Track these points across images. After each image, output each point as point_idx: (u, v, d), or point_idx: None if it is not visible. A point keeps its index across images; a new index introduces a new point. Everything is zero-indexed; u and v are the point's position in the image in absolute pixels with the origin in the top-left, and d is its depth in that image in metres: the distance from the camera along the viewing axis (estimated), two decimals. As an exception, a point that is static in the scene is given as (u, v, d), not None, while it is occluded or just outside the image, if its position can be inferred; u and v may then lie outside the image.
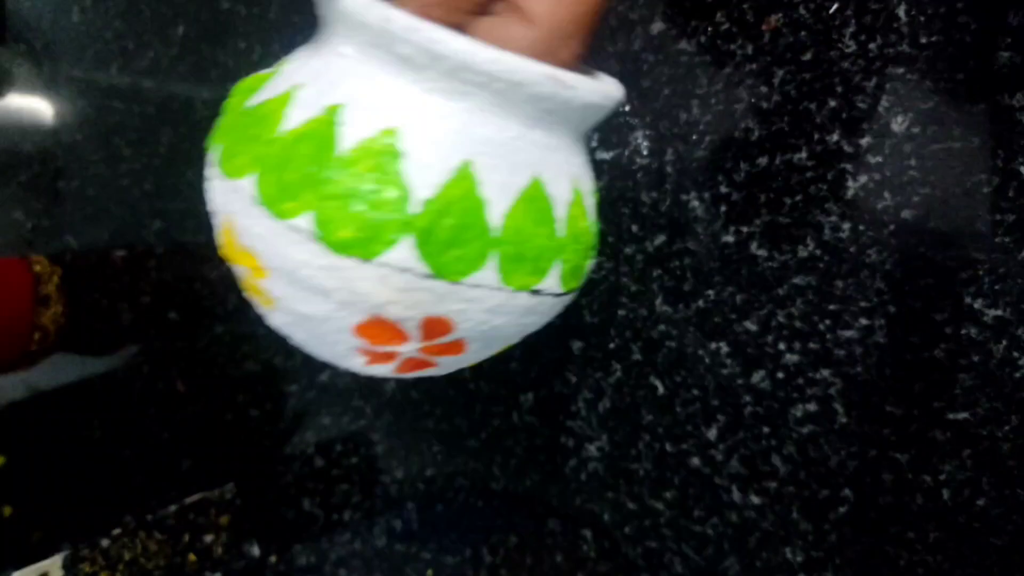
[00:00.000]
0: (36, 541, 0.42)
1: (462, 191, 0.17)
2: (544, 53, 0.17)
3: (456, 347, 0.20)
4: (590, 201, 0.21)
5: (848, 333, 0.36)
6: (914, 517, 0.36)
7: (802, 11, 0.34)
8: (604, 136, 0.37)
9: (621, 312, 0.39)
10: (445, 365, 0.21)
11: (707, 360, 0.38)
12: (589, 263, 0.21)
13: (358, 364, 0.21)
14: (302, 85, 0.18)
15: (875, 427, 0.36)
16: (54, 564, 0.38)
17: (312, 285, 0.18)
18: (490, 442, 0.41)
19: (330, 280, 0.17)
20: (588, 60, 0.19)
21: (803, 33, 0.34)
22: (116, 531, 0.39)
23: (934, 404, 0.35)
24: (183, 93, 0.39)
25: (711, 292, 0.37)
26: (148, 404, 0.43)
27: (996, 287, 0.34)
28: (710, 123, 0.36)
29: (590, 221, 0.21)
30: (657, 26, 0.36)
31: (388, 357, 0.20)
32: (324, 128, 0.17)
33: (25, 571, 0.37)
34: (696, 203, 0.37)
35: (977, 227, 0.34)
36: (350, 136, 0.17)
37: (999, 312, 0.34)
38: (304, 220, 0.17)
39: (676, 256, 0.37)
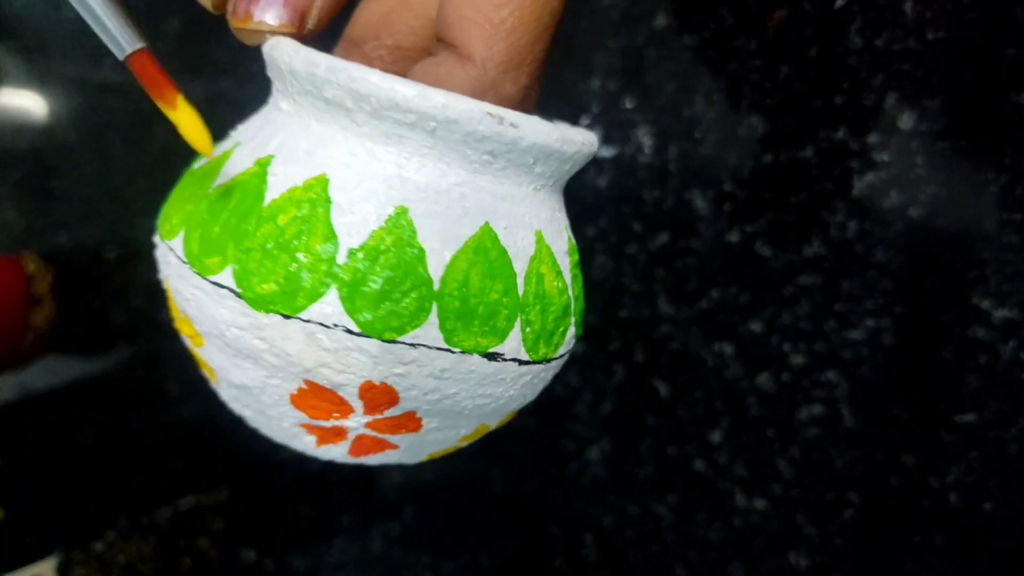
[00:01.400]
0: (29, 544, 0.41)
1: (396, 240, 0.15)
2: (485, 90, 0.16)
3: (410, 422, 0.18)
4: (565, 260, 0.19)
5: (854, 334, 0.35)
6: (921, 521, 0.36)
7: (807, 6, 0.34)
8: (606, 133, 0.37)
9: (623, 313, 0.38)
10: (407, 448, 0.19)
11: (711, 361, 0.38)
12: (567, 331, 0.19)
13: (309, 444, 0.19)
14: (240, 143, 0.18)
15: (881, 429, 0.36)
16: (47, 567, 0.37)
17: (240, 348, 0.16)
18: (489, 445, 0.41)
19: (257, 341, 0.16)
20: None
21: (808, 28, 0.34)
22: (110, 534, 0.39)
23: (941, 406, 0.35)
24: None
25: (715, 292, 0.37)
26: (142, 406, 0.43)
27: (1003, 287, 0.33)
28: (714, 120, 0.35)
29: (566, 283, 0.18)
30: (660, 21, 0.35)
31: (337, 435, 0.18)
32: (252, 181, 0.16)
33: (18, 574, 0.37)
34: (700, 201, 0.36)
35: (985, 226, 0.33)
36: (277, 187, 0.16)
37: (1007, 313, 0.34)
38: (225, 276, 0.16)
39: (679, 255, 0.37)
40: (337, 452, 0.19)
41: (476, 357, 0.16)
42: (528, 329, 0.17)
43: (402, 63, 0.18)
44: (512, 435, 0.41)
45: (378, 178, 0.16)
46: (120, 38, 0.15)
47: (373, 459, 0.20)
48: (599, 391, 0.39)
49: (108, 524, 0.40)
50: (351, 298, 0.15)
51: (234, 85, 0.38)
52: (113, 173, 0.41)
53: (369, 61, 0.18)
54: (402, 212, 0.15)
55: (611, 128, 0.37)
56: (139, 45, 0.15)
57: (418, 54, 0.18)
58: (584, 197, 0.37)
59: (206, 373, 0.20)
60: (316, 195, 0.15)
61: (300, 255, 0.15)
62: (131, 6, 0.14)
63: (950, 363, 0.35)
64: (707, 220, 0.36)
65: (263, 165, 0.16)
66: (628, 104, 0.36)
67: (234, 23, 0.16)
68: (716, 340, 0.37)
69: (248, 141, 0.17)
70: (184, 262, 0.16)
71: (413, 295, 0.15)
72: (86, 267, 0.42)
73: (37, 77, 0.40)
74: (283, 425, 0.19)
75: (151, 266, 0.43)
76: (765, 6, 0.34)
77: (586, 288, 0.21)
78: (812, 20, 0.34)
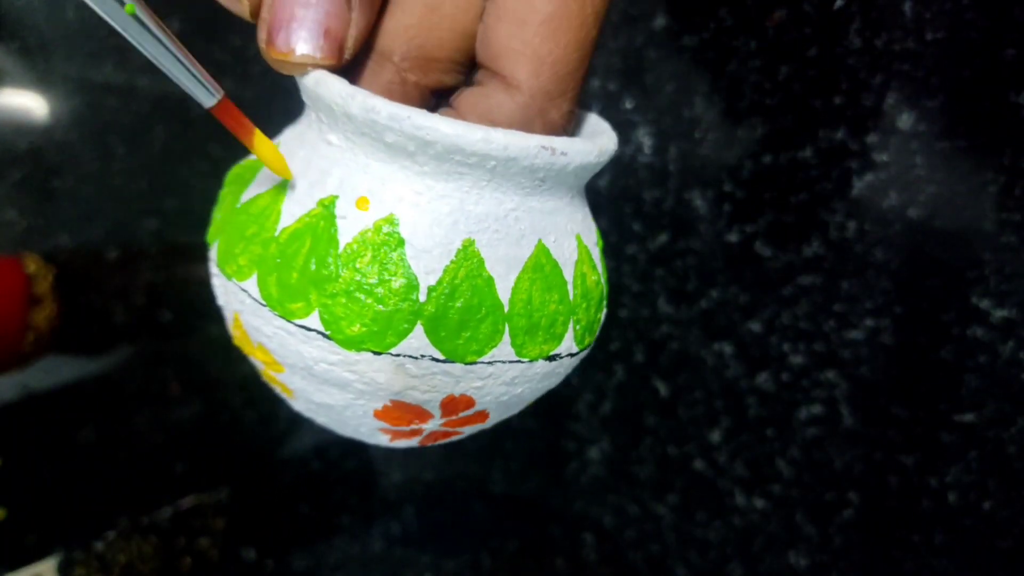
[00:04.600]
0: (30, 544, 0.41)
1: (467, 271, 0.17)
2: (533, 118, 0.17)
3: (479, 417, 0.20)
4: (596, 252, 0.20)
5: (854, 334, 0.35)
6: (920, 520, 0.36)
7: (807, 7, 0.34)
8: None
9: (623, 313, 0.38)
10: (469, 432, 0.21)
11: (710, 361, 0.38)
12: (602, 315, 0.21)
13: (383, 441, 0.21)
14: (292, 176, 0.18)
15: (881, 429, 0.36)
16: (48, 567, 0.37)
17: (328, 379, 0.18)
18: (490, 445, 0.41)
19: (346, 373, 0.17)
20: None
21: (808, 29, 0.34)
22: (110, 534, 0.39)
23: (940, 406, 0.35)
24: (178, 91, 0.39)
25: (714, 292, 0.37)
26: (142, 406, 0.43)
27: (1003, 287, 0.34)
28: (713, 120, 0.35)
29: (599, 273, 0.20)
30: (660, 21, 0.35)
31: (413, 433, 0.20)
32: (320, 223, 0.17)
33: (19, 573, 0.37)
34: (699, 201, 0.36)
35: (984, 226, 0.33)
36: (347, 230, 0.16)
37: (1006, 312, 0.34)
38: (312, 320, 0.17)
39: (679, 255, 0.37)
40: (408, 444, 0.21)
41: (540, 362, 0.18)
42: (577, 327, 0.19)
43: (432, 75, 0.18)
44: (512, 435, 0.41)
45: (443, 214, 0.16)
46: (207, 88, 0.15)
47: (438, 443, 0.21)
48: (599, 391, 0.39)
49: (109, 524, 0.40)
50: (435, 331, 0.16)
51: (234, 85, 0.38)
52: (114, 173, 0.41)
53: (401, 73, 0.18)
54: (469, 244, 0.17)
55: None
56: (220, 94, 0.15)
57: (448, 66, 0.18)
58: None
59: (279, 389, 0.21)
60: (388, 236, 0.16)
61: (384, 297, 0.16)
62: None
63: (949, 363, 0.35)
64: (707, 220, 0.36)
65: (328, 207, 0.17)
66: (628, 104, 0.36)
67: (273, 55, 0.16)
68: (716, 340, 0.37)
69: (301, 175, 0.18)
70: (263, 304, 0.17)
71: (488, 320, 0.17)
72: (87, 267, 0.42)
73: (38, 77, 0.40)
74: (361, 430, 0.20)
75: (152, 266, 0.43)
76: (765, 6, 0.34)
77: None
78: (811, 20, 0.34)
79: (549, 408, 0.41)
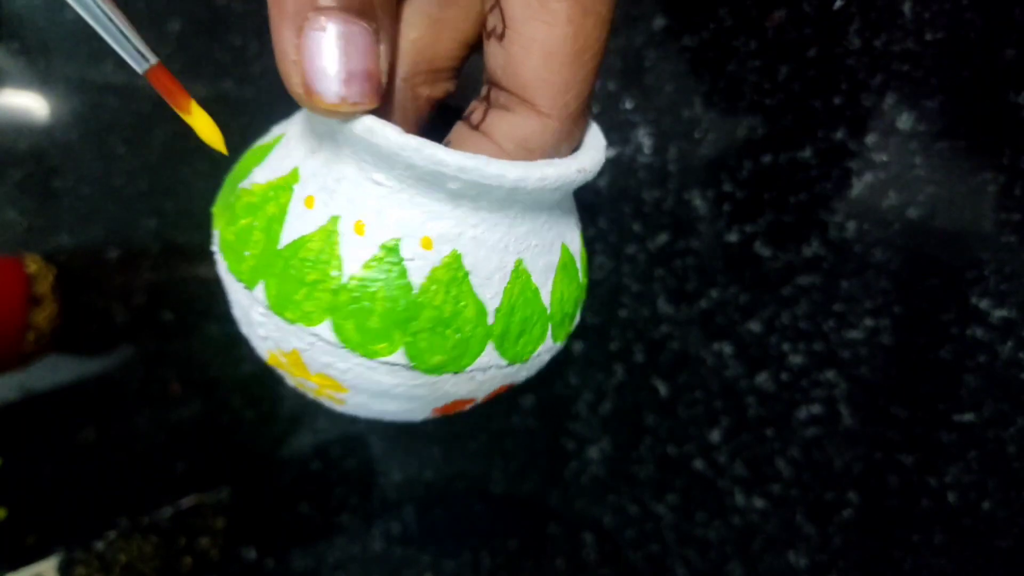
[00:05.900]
0: (30, 544, 0.41)
1: (520, 288, 0.18)
2: (563, 141, 0.18)
3: (506, 392, 0.22)
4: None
5: (853, 334, 0.35)
6: (919, 520, 0.36)
7: (806, 7, 0.34)
8: (606, 134, 0.37)
9: (623, 313, 0.38)
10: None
11: (710, 361, 0.38)
12: None
13: (418, 419, 0.23)
14: (340, 217, 0.18)
15: (880, 429, 0.36)
16: (49, 566, 0.37)
17: (403, 396, 0.19)
18: (490, 444, 0.41)
19: (422, 391, 0.19)
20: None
21: (807, 29, 0.34)
22: (111, 534, 0.39)
23: (940, 406, 0.35)
24: (178, 90, 0.39)
25: (714, 292, 0.37)
26: (143, 405, 0.43)
27: (1002, 287, 0.34)
28: (713, 120, 0.35)
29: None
30: (659, 22, 0.35)
31: (452, 413, 0.22)
32: (389, 267, 0.17)
33: (20, 573, 0.37)
34: (699, 201, 0.36)
35: (983, 226, 0.33)
36: (418, 271, 0.17)
37: (1005, 312, 0.34)
38: (397, 356, 0.18)
39: (679, 255, 0.37)
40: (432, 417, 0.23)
41: (562, 343, 0.21)
42: (581, 303, 0.21)
43: (440, 85, 0.19)
44: (512, 435, 0.41)
45: (496, 240, 0.18)
46: (142, 53, 0.15)
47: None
48: (599, 391, 0.39)
49: (109, 523, 0.40)
50: (503, 346, 0.19)
51: (234, 85, 0.38)
52: (114, 173, 0.41)
53: (413, 89, 0.18)
54: (519, 263, 0.18)
55: (611, 128, 0.37)
56: (154, 59, 0.16)
57: (451, 74, 0.19)
58: (584, 197, 0.37)
59: (325, 399, 0.21)
60: (456, 271, 0.18)
61: (461, 327, 0.18)
62: (132, 7, 0.14)
63: (949, 363, 0.35)
64: (706, 220, 0.36)
65: (393, 250, 0.17)
66: (628, 104, 0.36)
67: (321, 105, 0.15)
68: (716, 340, 0.37)
69: (347, 214, 0.18)
70: (339, 346, 0.18)
71: (538, 325, 0.19)
72: (87, 267, 0.42)
73: (38, 78, 0.40)
74: (407, 420, 0.22)
75: (152, 266, 0.43)
76: (764, 6, 0.34)
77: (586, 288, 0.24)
78: (811, 21, 0.34)
79: (549, 408, 0.41)
